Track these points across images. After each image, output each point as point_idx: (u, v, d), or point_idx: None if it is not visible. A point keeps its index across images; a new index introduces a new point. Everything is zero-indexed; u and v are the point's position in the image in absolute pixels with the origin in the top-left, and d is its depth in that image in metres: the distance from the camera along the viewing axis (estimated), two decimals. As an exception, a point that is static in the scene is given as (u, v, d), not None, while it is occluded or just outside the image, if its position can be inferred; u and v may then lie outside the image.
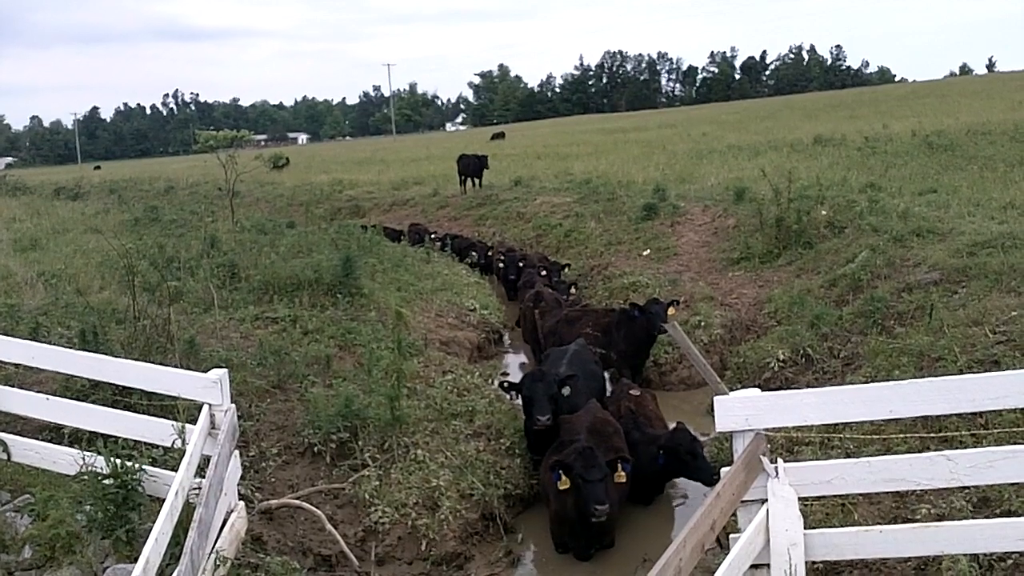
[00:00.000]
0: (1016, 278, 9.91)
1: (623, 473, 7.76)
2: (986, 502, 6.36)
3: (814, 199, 16.85)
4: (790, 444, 7.89)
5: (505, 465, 9.23)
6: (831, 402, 5.30)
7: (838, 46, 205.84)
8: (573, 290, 16.02)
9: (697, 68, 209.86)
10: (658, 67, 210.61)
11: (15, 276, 13.59)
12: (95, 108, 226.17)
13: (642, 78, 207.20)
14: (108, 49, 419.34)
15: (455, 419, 9.85)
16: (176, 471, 6.06)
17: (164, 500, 5.73)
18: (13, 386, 7.93)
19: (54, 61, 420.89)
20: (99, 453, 6.47)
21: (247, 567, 6.66)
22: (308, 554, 7.58)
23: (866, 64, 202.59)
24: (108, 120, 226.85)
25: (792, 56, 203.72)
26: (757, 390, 5.62)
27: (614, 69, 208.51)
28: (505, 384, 9.69)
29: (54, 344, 8.50)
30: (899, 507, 6.73)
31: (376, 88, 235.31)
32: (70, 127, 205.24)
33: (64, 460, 7.00)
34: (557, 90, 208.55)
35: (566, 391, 9.12)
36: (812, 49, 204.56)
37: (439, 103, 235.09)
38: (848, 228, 14.93)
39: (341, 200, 35.51)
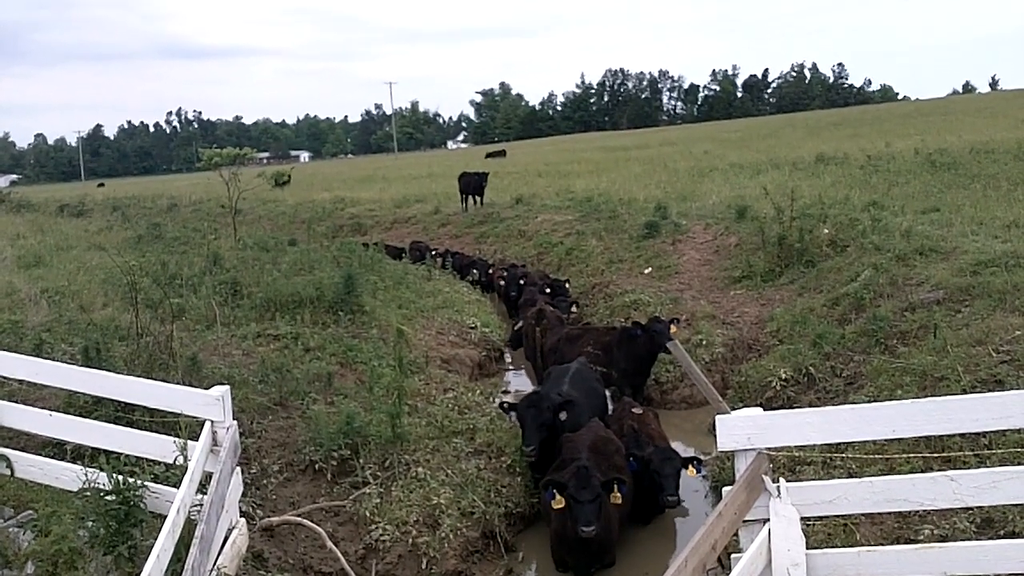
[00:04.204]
0: (1020, 297, 9.90)
1: (619, 495, 7.74)
2: (990, 523, 6.34)
3: (816, 217, 16.88)
4: (792, 464, 7.88)
5: (506, 483, 9.22)
6: (833, 421, 5.29)
7: (840, 64, 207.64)
8: (574, 308, 16.03)
9: (699, 86, 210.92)
10: (659, 85, 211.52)
11: (19, 293, 13.61)
12: (99, 126, 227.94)
13: (643, 96, 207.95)
14: (112, 67, 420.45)
15: (456, 437, 9.85)
16: (178, 488, 6.06)
17: (166, 517, 5.73)
18: (17, 402, 7.94)
19: (59, 79, 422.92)
20: (101, 469, 6.47)
21: (248, 585, 6.66)
22: (309, 571, 7.58)
23: (869, 82, 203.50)
24: (112, 138, 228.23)
25: (794, 74, 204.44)
26: (759, 409, 5.61)
27: (615, 87, 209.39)
28: (505, 405, 9.68)
29: (57, 360, 8.51)
30: (902, 528, 6.71)
31: (378, 106, 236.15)
32: (74, 145, 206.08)
33: (67, 476, 7.00)
34: (558, 108, 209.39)
35: (563, 416, 9.09)
36: (814, 67, 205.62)
37: (441, 121, 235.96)
38: (850, 247, 14.95)
39: (343, 218, 35.61)
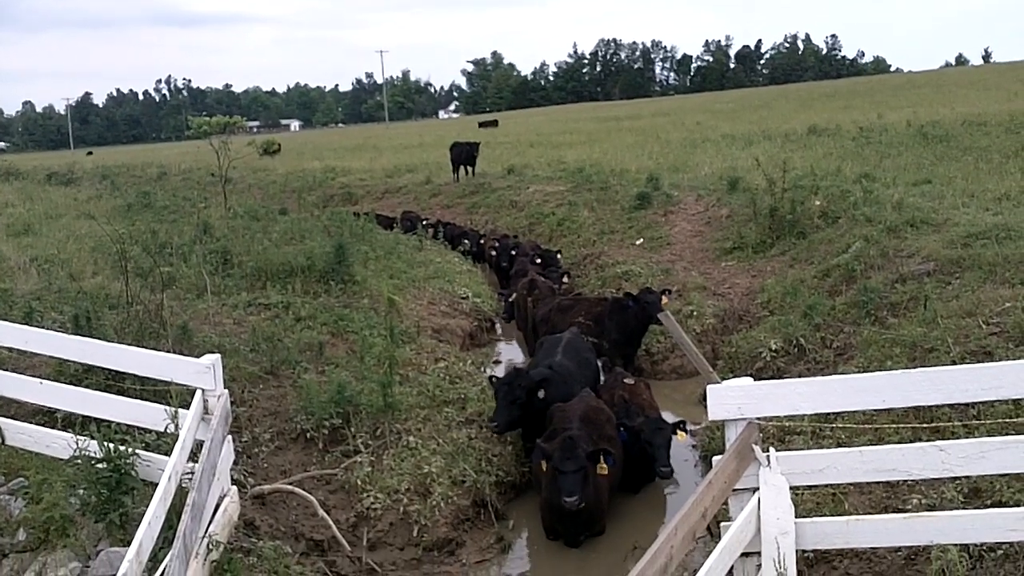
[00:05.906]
0: (1010, 269, 9.92)
1: (605, 466, 7.77)
2: (977, 493, 6.38)
3: (808, 189, 16.87)
4: (782, 433, 7.90)
5: (497, 452, 9.25)
6: (823, 392, 5.30)
7: (833, 35, 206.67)
8: (566, 279, 16.02)
9: (692, 56, 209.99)
10: (652, 55, 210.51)
11: (8, 261, 13.55)
12: (88, 94, 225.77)
13: (636, 66, 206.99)
14: (102, 34, 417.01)
15: (447, 406, 9.87)
16: (169, 456, 6.05)
17: (157, 484, 5.73)
18: (7, 370, 7.92)
19: (48, 46, 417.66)
20: (92, 437, 6.48)
21: (240, 551, 6.67)
22: (300, 539, 7.60)
23: (862, 54, 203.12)
24: (100, 106, 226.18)
25: (787, 45, 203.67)
26: (749, 379, 5.61)
27: (608, 57, 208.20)
28: (494, 380, 9.68)
29: (47, 329, 8.46)
30: (890, 497, 6.75)
31: (369, 75, 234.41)
32: (63, 112, 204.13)
33: (58, 444, 7.00)
34: (551, 78, 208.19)
35: (541, 394, 9.11)
36: (807, 38, 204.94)
37: (432, 90, 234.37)
38: (842, 218, 14.94)
39: (334, 187, 35.43)
